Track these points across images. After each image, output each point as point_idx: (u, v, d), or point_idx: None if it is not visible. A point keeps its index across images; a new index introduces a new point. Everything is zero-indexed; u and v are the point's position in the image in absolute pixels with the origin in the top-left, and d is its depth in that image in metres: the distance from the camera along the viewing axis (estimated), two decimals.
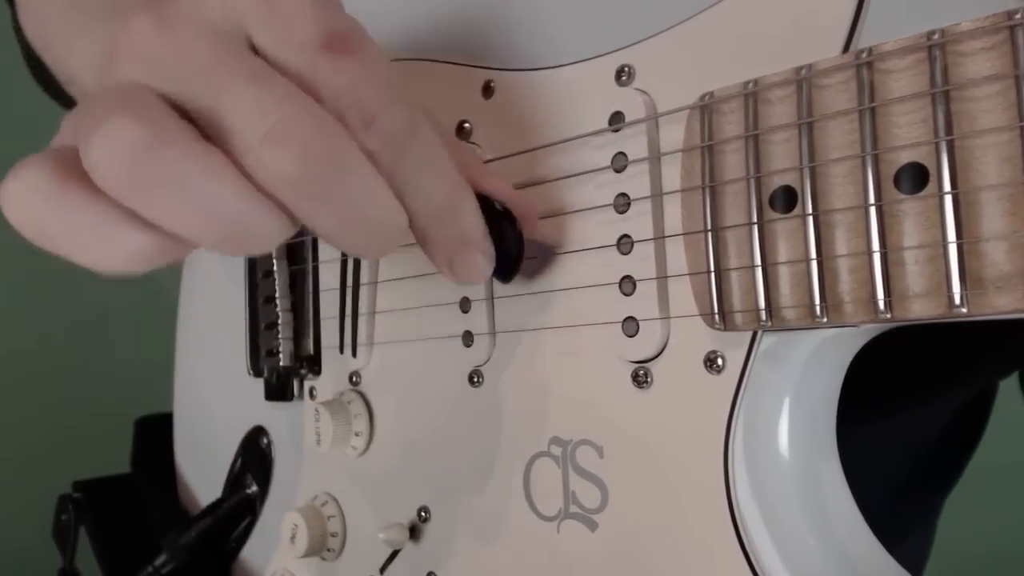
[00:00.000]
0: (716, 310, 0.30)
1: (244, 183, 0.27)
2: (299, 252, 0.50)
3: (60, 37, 0.46)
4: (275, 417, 0.53)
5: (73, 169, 0.27)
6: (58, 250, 0.29)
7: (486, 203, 0.34)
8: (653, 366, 0.33)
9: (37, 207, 0.28)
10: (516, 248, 0.35)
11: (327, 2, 0.29)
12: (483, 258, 0.34)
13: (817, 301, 0.27)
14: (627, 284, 0.34)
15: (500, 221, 0.34)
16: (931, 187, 0.25)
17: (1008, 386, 0.57)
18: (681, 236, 0.32)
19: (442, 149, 0.31)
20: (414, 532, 0.42)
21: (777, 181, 0.28)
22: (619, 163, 0.34)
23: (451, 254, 0.33)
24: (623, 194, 0.34)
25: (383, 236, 0.30)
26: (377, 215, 0.29)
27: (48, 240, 0.29)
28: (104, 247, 0.28)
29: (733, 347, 0.31)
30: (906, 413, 0.51)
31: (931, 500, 0.60)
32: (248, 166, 0.27)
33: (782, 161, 0.28)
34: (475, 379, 0.40)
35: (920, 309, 0.25)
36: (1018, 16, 0.24)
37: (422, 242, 0.33)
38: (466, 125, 0.40)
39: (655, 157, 0.33)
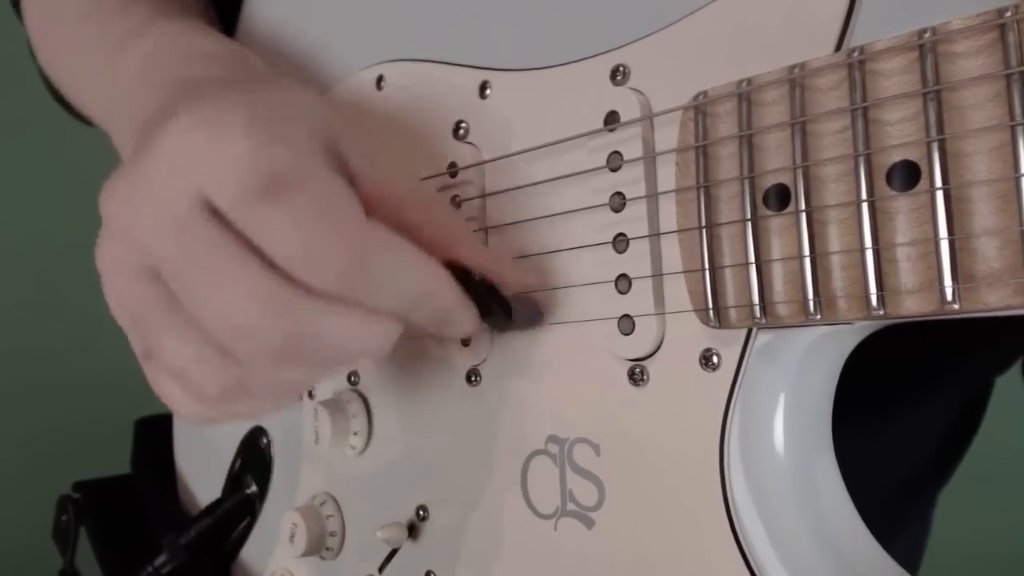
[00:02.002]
0: (711, 307, 0.30)
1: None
2: None
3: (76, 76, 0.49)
4: (274, 417, 0.53)
5: None
6: None
7: (466, 275, 0.34)
8: (649, 364, 0.33)
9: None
10: (503, 309, 0.36)
11: (263, 139, 0.30)
12: (468, 320, 0.35)
13: (810, 297, 0.27)
14: (623, 282, 0.34)
15: (481, 292, 0.35)
16: (923, 184, 0.25)
17: (1006, 385, 0.57)
18: (676, 234, 0.32)
19: (401, 248, 0.32)
20: (412, 531, 0.43)
21: (771, 179, 0.29)
22: (615, 162, 0.34)
23: (436, 327, 0.34)
24: (619, 193, 0.34)
25: (374, 347, 0.32)
26: (350, 345, 0.32)
27: None
28: None
29: (728, 344, 0.31)
30: (900, 411, 0.51)
31: (926, 496, 0.60)
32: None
33: (776, 160, 0.29)
34: (473, 378, 0.40)
35: (913, 305, 0.26)
36: (1008, 14, 0.24)
37: (406, 323, 0.34)
38: (463, 125, 0.40)
39: (650, 156, 0.33)
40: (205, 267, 0.30)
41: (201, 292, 0.31)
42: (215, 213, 0.30)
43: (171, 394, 0.34)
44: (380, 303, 0.32)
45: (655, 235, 0.33)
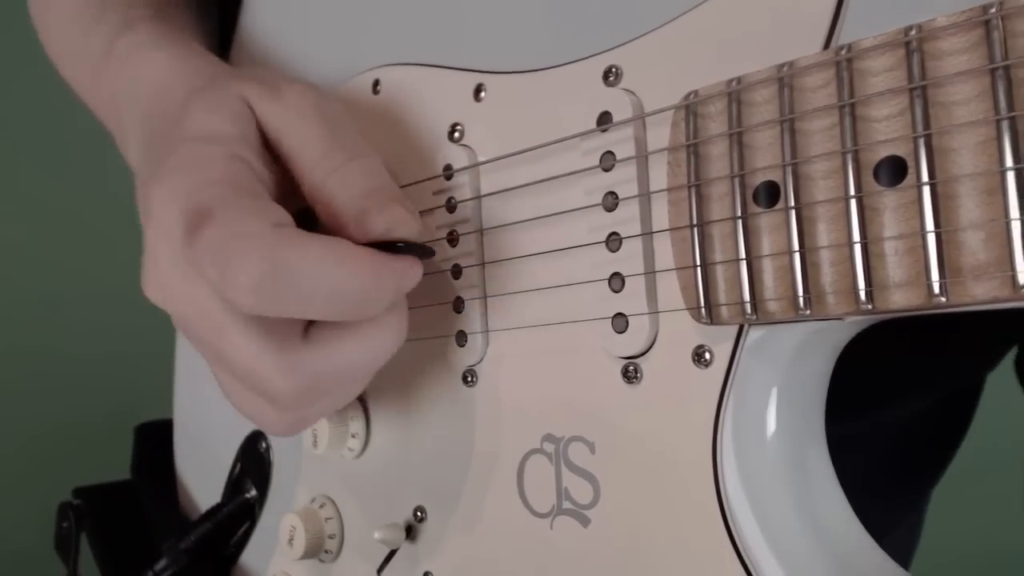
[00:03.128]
0: (702, 304, 0.30)
1: None
2: None
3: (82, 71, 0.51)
4: None
5: None
6: None
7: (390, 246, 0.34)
8: (642, 361, 0.34)
9: None
10: (425, 252, 0.35)
11: (183, 181, 0.33)
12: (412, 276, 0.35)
13: (800, 293, 0.28)
14: (616, 281, 0.34)
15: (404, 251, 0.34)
16: (910, 179, 0.26)
17: (1001, 382, 0.57)
18: (668, 232, 0.32)
19: (313, 246, 0.31)
20: (410, 532, 0.43)
21: (760, 176, 0.29)
22: (607, 162, 0.34)
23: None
24: (612, 192, 0.34)
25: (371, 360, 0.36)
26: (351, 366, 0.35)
27: None
28: None
29: (720, 341, 0.31)
30: (887, 408, 0.51)
31: (916, 492, 0.60)
32: None
33: (765, 158, 0.29)
34: (469, 378, 0.40)
35: (900, 299, 0.26)
36: (993, 11, 0.24)
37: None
38: (458, 128, 0.41)
39: (642, 156, 0.33)
40: (204, 325, 0.34)
41: (218, 353, 0.35)
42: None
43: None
44: (320, 312, 0.32)
45: (648, 234, 0.33)
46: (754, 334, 0.31)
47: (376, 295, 0.33)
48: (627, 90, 0.34)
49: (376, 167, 0.36)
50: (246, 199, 0.32)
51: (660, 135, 0.33)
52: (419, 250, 0.35)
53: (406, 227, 0.34)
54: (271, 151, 0.37)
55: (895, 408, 0.52)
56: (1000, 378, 0.56)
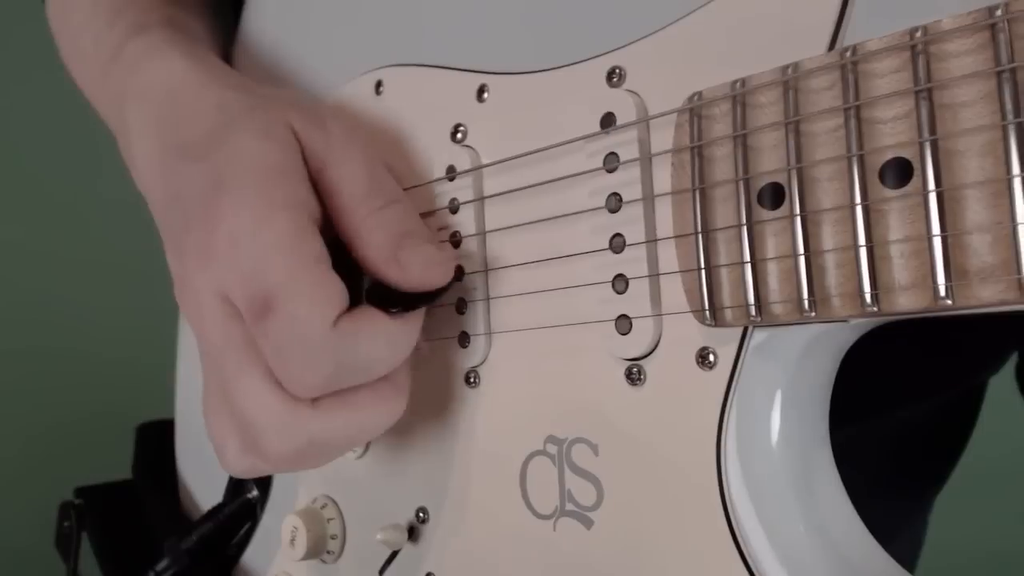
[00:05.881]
0: (707, 307, 0.30)
1: None
2: None
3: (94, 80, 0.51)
4: None
5: None
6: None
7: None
8: (646, 363, 0.34)
9: None
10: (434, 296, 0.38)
11: (258, 255, 0.34)
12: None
13: (805, 296, 0.28)
14: (620, 283, 0.34)
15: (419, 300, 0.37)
16: (915, 182, 0.25)
17: (1002, 384, 0.57)
18: (672, 234, 0.32)
19: (366, 331, 0.35)
20: (412, 533, 0.43)
21: (765, 178, 0.29)
22: (611, 164, 0.34)
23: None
24: (615, 194, 0.34)
25: (386, 424, 0.38)
26: (360, 436, 0.38)
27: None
28: None
29: (724, 343, 0.31)
30: (887, 413, 0.51)
31: (920, 498, 0.60)
32: None
33: (770, 160, 0.29)
34: (471, 379, 0.40)
35: (906, 302, 0.26)
36: (999, 13, 0.24)
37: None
38: (461, 129, 0.41)
39: (646, 158, 0.33)
40: (225, 359, 0.36)
41: (227, 384, 0.36)
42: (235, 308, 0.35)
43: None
44: (374, 375, 0.36)
45: (652, 236, 0.33)
46: (758, 336, 0.31)
47: (408, 348, 0.37)
48: (631, 91, 0.34)
49: (411, 212, 0.38)
50: (308, 284, 0.34)
51: (664, 137, 0.33)
52: (434, 297, 0.37)
53: (439, 267, 0.37)
54: (311, 178, 0.38)
55: (896, 413, 0.52)
56: (1005, 385, 0.56)
